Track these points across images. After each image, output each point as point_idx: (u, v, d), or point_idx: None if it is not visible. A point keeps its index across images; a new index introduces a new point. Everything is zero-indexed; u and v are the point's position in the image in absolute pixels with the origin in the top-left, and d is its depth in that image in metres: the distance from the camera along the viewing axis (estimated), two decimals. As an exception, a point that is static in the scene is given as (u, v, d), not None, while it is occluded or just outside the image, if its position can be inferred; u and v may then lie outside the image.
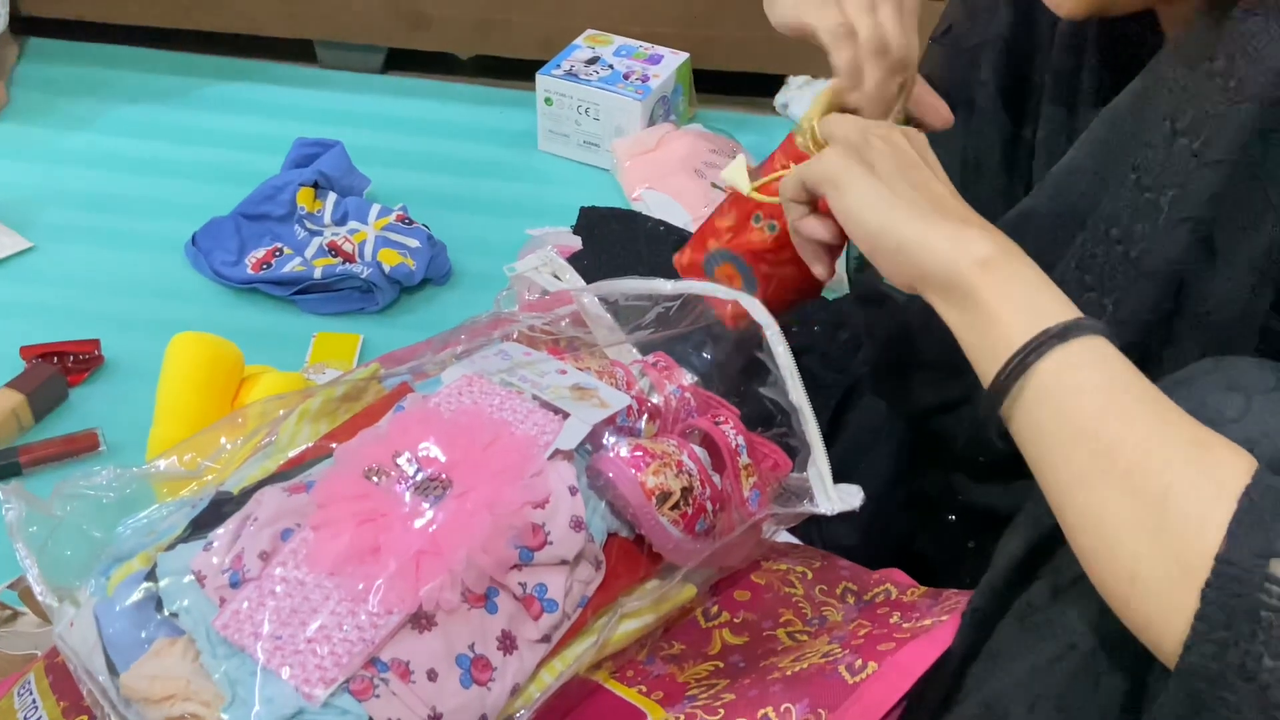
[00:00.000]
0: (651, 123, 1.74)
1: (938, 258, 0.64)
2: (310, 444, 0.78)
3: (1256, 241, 0.65)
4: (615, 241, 1.17)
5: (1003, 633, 0.68)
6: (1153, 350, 0.67)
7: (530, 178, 1.76)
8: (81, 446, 1.26)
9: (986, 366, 0.62)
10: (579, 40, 1.83)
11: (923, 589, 0.82)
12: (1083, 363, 0.59)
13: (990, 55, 0.87)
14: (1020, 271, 0.63)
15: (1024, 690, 0.64)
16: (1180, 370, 0.61)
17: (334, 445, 0.75)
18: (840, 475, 0.79)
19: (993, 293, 0.62)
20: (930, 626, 0.73)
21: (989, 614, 0.69)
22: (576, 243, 1.43)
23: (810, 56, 0.84)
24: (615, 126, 1.73)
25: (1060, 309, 0.61)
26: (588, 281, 0.91)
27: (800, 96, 1.86)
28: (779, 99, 1.88)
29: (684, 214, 1.57)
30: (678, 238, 1.17)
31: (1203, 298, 0.67)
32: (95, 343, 1.38)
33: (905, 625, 0.74)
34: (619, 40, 1.82)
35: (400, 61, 1.98)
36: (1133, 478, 0.55)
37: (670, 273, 0.88)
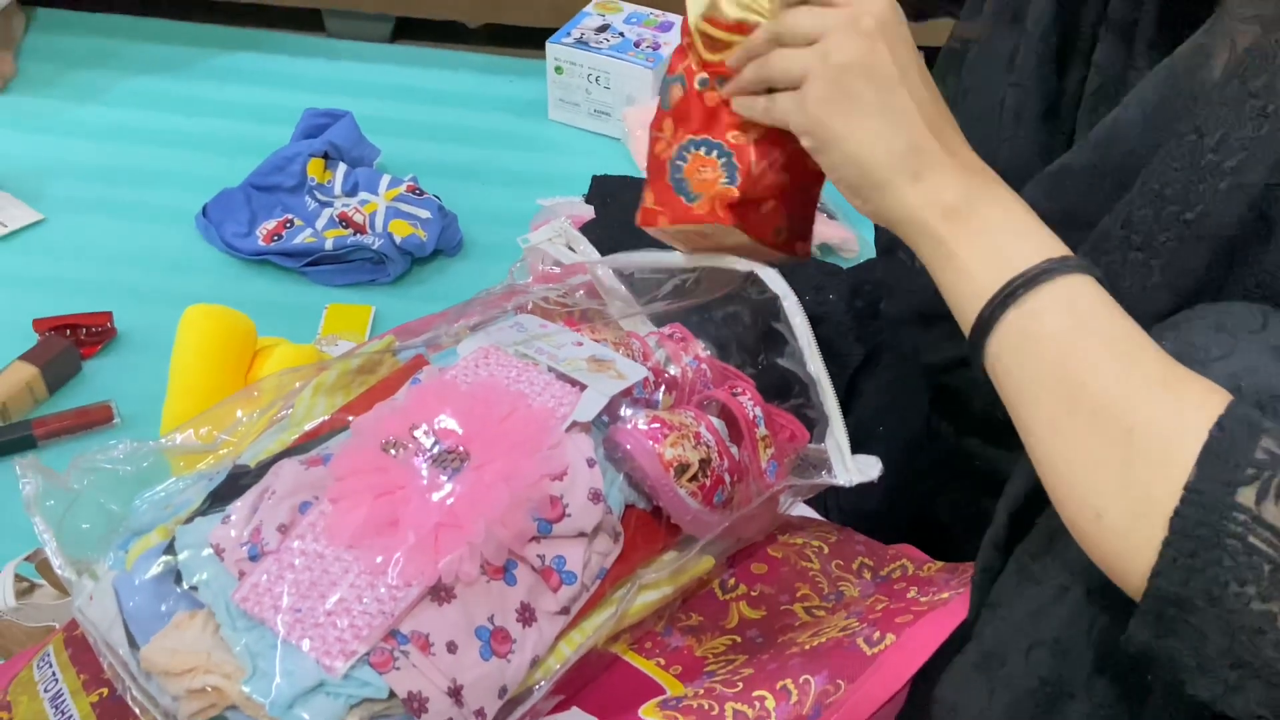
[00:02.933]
0: (663, 91, 1.73)
1: (907, 210, 0.65)
2: (326, 417, 0.78)
3: None
4: (628, 210, 1.16)
5: (1003, 584, 0.68)
6: None
7: (541, 147, 1.75)
8: (96, 419, 1.26)
9: (965, 319, 0.63)
10: (589, 7, 1.81)
11: (939, 564, 0.82)
12: (1046, 309, 0.60)
13: (1038, 7, 0.84)
14: (988, 218, 0.63)
15: (1021, 636, 0.65)
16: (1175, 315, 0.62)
17: (350, 418, 0.74)
18: (858, 443, 0.79)
19: (960, 244, 0.63)
20: (948, 599, 0.73)
21: (994, 572, 0.69)
22: (588, 212, 1.42)
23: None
24: (626, 95, 1.71)
25: (1028, 253, 0.61)
26: (601, 252, 0.91)
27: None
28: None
29: (696, 183, 1.56)
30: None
31: (1254, 269, 0.65)
32: (107, 315, 1.38)
33: (923, 599, 0.74)
34: (629, 7, 1.81)
35: (409, 30, 1.97)
36: (1097, 419, 0.56)
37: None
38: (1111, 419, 0.56)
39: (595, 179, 1.46)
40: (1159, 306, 0.66)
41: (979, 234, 0.63)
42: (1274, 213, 0.63)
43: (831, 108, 0.68)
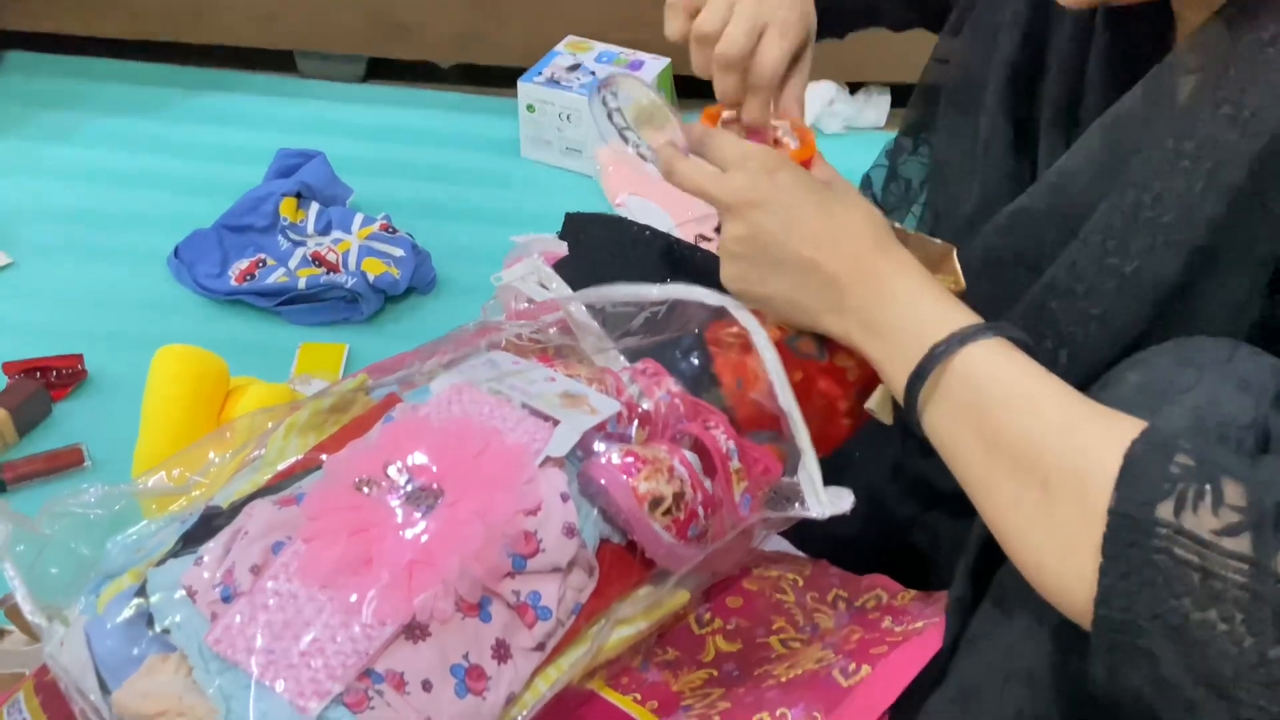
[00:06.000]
0: (634, 128, 1.74)
1: (831, 332, 0.73)
2: (299, 456, 0.78)
3: (1252, 257, 0.65)
4: (601, 247, 1.17)
5: (980, 616, 0.69)
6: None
7: (513, 185, 1.76)
8: (66, 462, 1.25)
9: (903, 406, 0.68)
10: (560, 46, 1.83)
11: (913, 592, 0.82)
12: (946, 394, 0.65)
13: (1009, 35, 0.86)
14: (889, 321, 0.69)
15: (997, 669, 0.66)
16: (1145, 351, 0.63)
17: (323, 457, 0.74)
18: (839, 467, 0.79)
19: (874, 351, 0.70)
20: (922, 629, 0.73)
21: (969, 601, 0.70)
22: (562, 249, 1.42)
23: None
24: (598, 133, 1.73)
25: (923, 339, 0.66)
26: (574, 288, 0.91)
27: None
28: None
29: (667, 220, 1.57)
30: (664, 242, 1.17)
31: (1193, 313, 0.67)
32: (78, 357, 1.37)
33: (897, 629, 0.74)
34: (600, 46, 1.83)
35: (381, 70, 1.98)
36: (1015, 477, 0.60)
37: (655, 278, 0.88)
38: (1026, 474, 0.59)
39: (568, 216, 1.46)
40: (1102, 355, 0.68)
41: (882, 341, 0.69)
42: (1220, 260, 0.64)
43: (737, 280, 0.76)
